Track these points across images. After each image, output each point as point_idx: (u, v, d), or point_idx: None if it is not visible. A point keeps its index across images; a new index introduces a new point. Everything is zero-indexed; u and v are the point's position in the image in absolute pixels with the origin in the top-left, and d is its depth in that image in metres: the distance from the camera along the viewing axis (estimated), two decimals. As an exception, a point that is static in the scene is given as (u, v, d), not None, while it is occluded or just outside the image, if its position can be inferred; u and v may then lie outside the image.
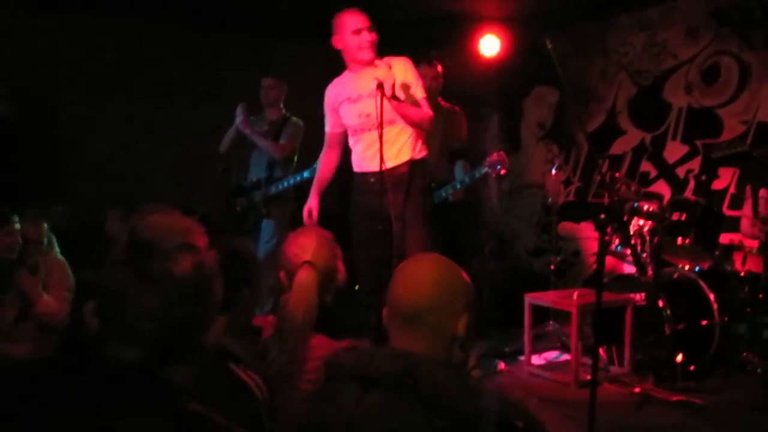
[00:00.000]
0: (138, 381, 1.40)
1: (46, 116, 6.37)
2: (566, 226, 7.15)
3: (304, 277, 2.49)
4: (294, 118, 5.70)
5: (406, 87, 3.96)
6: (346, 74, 4.18)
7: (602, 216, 3.08)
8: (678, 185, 6.33)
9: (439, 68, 5.40)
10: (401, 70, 3.97)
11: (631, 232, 4.99)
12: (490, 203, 8.06)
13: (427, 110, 4.04)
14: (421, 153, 4.10)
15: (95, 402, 1.37)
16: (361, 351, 1.80)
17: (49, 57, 6.43)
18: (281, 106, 5.73)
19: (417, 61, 4.30)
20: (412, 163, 4.01)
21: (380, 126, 3.71)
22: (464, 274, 1.88)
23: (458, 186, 5.16)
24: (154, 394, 1.42)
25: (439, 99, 5.35)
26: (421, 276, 1.84)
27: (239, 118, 5.56)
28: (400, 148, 4.01)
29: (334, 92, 4.21)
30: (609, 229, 5.38)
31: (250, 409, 1.92)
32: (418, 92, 4.02)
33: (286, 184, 5.45)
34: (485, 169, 4.90)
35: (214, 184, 5.89)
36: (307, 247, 2.59)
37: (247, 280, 2.01)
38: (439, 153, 5.16)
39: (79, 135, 6.54)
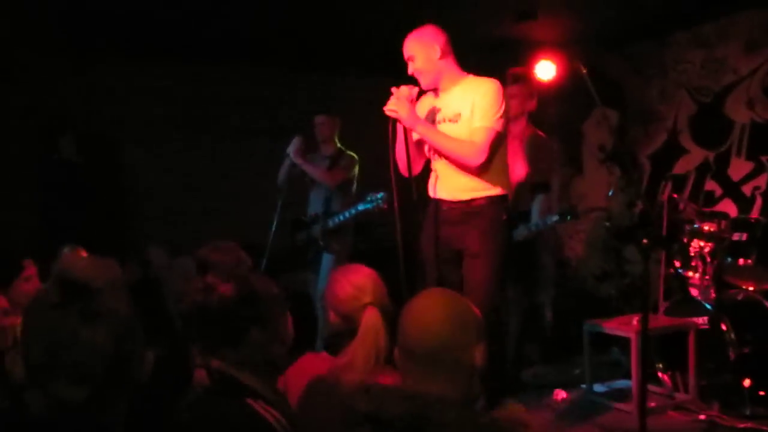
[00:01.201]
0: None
1: (111, 159, 6.61)
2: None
3: (373, 320, 2.50)
4: (349, 152, 5.79)
5: (460, 114, 3.76)
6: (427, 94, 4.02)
7: (645, 241, 3.04)
8: (744, 203, 6.17)
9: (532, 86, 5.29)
10: (469, 93, 3.75)
11: (692, 254, 4.89)
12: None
13: (472, 143, 3.68)
14: (492, 189, 3.79)
15: None
16: (373, 393, 1.82)
17: (112, 100, 6.70)
18: (336, 141, 5.83)
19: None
20: (474, 200, 3.80)
21: (392, 161, 3.75)
22: (471, 306, 1.88)
23: (530, 229, 5.07)
24: None
25: (524, 122, 5.22)
26: (431, 314, 1.84)
27: (292, 148, 5.65)
28: (461, 181, 3.82)
29: None
30: (662, 252, 5.33)
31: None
32: (476, 120, 3.69)
33: (343, 217, 5.52)
34: (556, 218, 4.92)
35: (276, 220, 6.00)
36: (365, 287, 2.60)
37: (258, 320, 2.04)
38: (521, 183, 5.05)
39: (143, 177, 6.78)
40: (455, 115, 3.78)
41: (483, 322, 1.93)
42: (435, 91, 3.92)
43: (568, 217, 4.83)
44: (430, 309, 1.88)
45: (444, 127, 3.80)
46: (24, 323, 1.53)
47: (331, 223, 5.59)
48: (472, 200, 3.80)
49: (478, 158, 3.68)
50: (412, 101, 3.72)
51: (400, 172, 3.93)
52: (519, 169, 4.97)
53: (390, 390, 1.82)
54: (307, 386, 2.30)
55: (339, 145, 5.84)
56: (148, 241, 6.33)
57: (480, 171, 3.74)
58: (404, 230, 3.71)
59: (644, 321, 3.07)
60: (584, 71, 3.60)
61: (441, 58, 3.79)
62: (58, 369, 1.48)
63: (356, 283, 2.62)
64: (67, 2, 5.38)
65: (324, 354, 2.58)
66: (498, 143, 3.72)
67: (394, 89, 3.72)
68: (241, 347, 2.01)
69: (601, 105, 3.76)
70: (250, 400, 1.95)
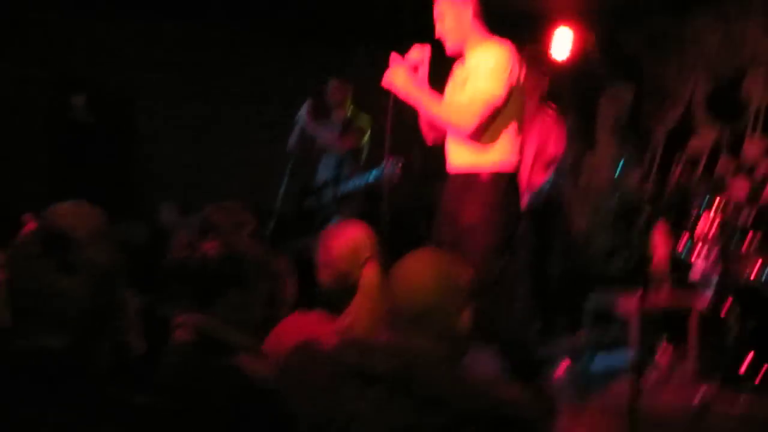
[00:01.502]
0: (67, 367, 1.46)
1: (122, 120, 6.63)
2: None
3: (374, 275, 2.47)
4: (362, 114, 5.75)
5: (467, 79, 3.62)
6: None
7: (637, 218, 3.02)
8: (757, 183, 6.10)
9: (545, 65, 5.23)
10: (479, 57, 3.60)
11: (699, 233, 4.87)
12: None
13: (462, 109, 3.50)
14: (490, 163, 3.58)
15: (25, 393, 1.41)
16: (362, 347, 1.84)
17: (125, 61, 6.72)
18: (347, 106, 5.81)
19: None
20: (471, 173, 3.63)
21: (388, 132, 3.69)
22: (464, 266, 1.88)
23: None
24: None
25: (536, 102, 5.16)
26: (420, 275, 1.85)
27: (303, 112, 5.64)
28: (461, 150, 3.66)
29: None
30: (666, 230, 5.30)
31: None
32: (479, 83, 3.49)
33: (354, 184, 5.51)
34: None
35: (285, 186, 6.00)
36: (363, 242, 2.58)
37: (239, 280, 2.05)
38: (533, 164, 5.03)
39: (154, 139, 6.81)
40: (464, 80, 3.64)
41: (474, 283, 1.93)
42: (461, 57, 3.75)
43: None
44: (419, 269, 1.89)
45: (457, 95, 3.66)
46: (7, 271, 1.55)
47: (342, 189, 5.58)
48: (469, 173, 3.64)
49: (468, 124, 3.49)
50: (416, 67, 3.63)
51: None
52: (527, 148, 4.91)
53: (378, 345, 1.85)
54: (289, 342, 2.31)
55: (351, 110, 5.82)
56: (158, 203, 6.39)
57: (478, 142, 3.55)
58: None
59: (643, 296, 3.06)
60: (596, 50, 3.48)
61: (471, 19, 3.65)
62: (39, 317, 1.50)
63: (354, 238, 2.60)
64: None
65: (314, 313, 2.56)
66: (495, 111, 3.50)
67: (394, 57, 3.63)
68: (221, 306, 2.02)
69: (610, 81, 3.63)
70: (232, 356, 1.96)
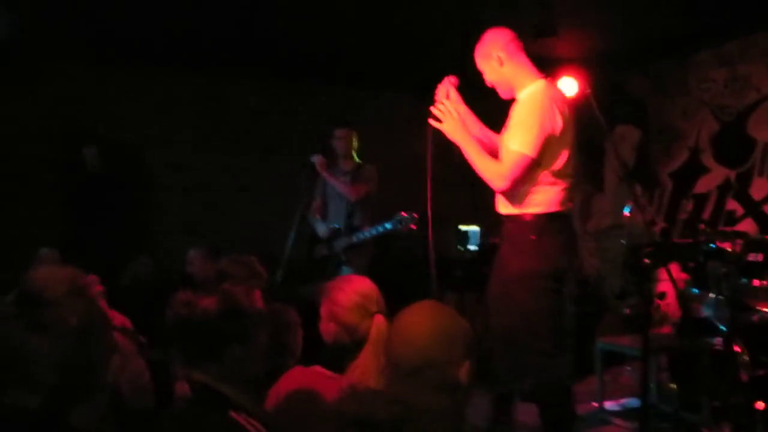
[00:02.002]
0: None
1: (134, 170, 6.72)
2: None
3: (383, 329, 2.44)
4: (368, 165, 5.80)
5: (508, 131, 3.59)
6: None
7: (646, 261, 3.02)
8: (766, 223, 6.10)
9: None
10: (516, 108, 3.57)
11: (708, 274, 4.84)
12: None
13: (498, 168, 3.47)
14: (521, 206, 3.56)
15: None
16: (361, 396, 1.84)
17: (137, 112, 6.84)
18: (354, 155, 5.85)
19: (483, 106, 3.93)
20: (512, 216, 3.62)
21: (429, 171, 3.68)
22: (461, 319, 1.88)
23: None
24: None
25: None
26: (417, 329, 1.84)
27: (316, 161, 5.69)
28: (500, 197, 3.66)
29: None
30: (677, 270, 5.28)
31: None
32: (513, 142, 3.45)
33: (367, 234, 5.52)
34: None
35: (294, 233, 6.03)
36: (371, 296, 2.58)
37: (239, 335, 2.06)
38: None
39: (165, 188, 6.89)
40: (508, 126, 3.61)
41: (473, 337, 1.93)
42: (514, 100, 3.68)
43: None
44: (417, 323, 1.88)
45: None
46: None
47: (355, 239, 5.59)
48: (509, 215, 3.64)
49: (501, 184, 3.48)
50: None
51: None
52: None
53: (378, 394, 1.85)
54: (287, 396, 2.31)
55: (357, 159, 5.87)
56: (167, 252, 6.44)
57: (519, 192, 3.53)
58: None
59: (645, 340, 3.06)
60: (591, 95, 3.51)
61: (505, 64, 3.61)
62: (11, 376, 1.52)
63: (362, 292, 2.58)
64: (95, 11, 5.49)
65: (316, 367, 2.56)
66: (530, 166, 3.44)
67: (441, 92, 3.61)
68: (222, 362, 2.03)
69: (606, 127, 3.62)
70: (233, 413, 1.97)
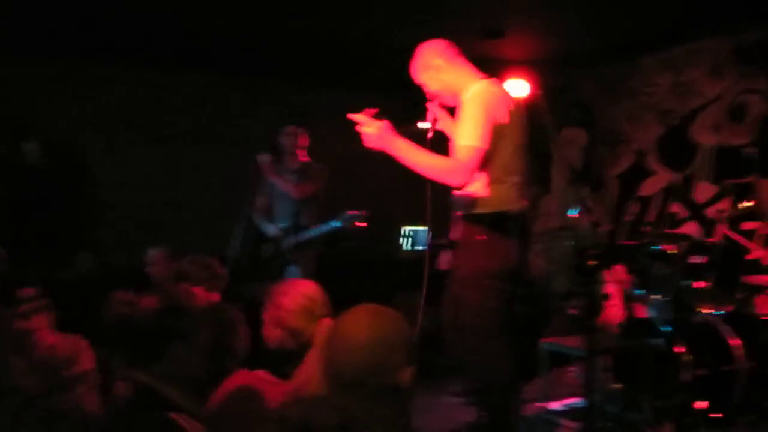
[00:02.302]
0: None
1: (75, 165, 6.57)
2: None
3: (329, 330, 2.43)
4: (316, 164, 5.75)
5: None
6: None
7: (591, 262, 3.03)
8: (708, 226, 6.21)
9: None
10: (461, 109, 3.50)
11: (652, 276, 4.91)
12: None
13: (453, 162, 3.39)
14: (471, 207, 3.56)
15: None
16: (304, 402, 1.80)
17: (78, 107, 6.67)
18: (302, 153, 5.79)
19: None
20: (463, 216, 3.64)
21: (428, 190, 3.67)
22: (401, 322, 1.84)
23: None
24: None
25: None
26: (357, 337, 1.79)
27: (263, 159, 5.63)
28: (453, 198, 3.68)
29: None
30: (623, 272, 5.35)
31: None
32: (462, 138, 3.39)
33: (315, 233, 5.47)
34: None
35: (242, 231, 5.95)
36: (318, 299, 2.54)
37: (181, 333, 2.01)
38: None
39: (106, 182, 6.75)
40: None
41: (413, 341, 1.90)
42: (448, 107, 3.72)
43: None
44: (357, 330, 1.82)
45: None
46: None
47: (302, 238, 5.54)
48: (461, 216, 3.64)
49: (457, 179, 3.42)
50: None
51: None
52: None
53: (321, 400, 1.80)
54: (229, 398, 2.26)
55: (306, 157, 5.81)
56: (107, 247, 6.32)
57: (475, 186, 3.51)
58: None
59: (590, 341, 3.07)
60: (540, 96, 3.50)
61: (444, 70, 3.61)
62: None
63: (308, 296, 2.55)
64: (31, 6, 5.35)
65: (260, 372, 2.50)
66: (484, 159, 3.40)
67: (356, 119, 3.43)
68: (163, 361, 1.98)
69: (555, 129, 3.64)
70: (173, 414, 1.92)
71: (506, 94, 3.62)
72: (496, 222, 3.53)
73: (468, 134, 3.37)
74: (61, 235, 5.85)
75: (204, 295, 3.23)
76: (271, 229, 5.71)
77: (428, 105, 3.73)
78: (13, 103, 6.41)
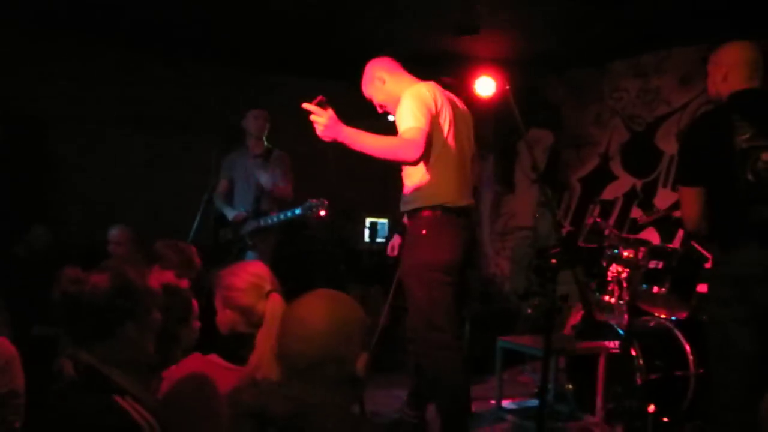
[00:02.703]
0: None
1: (36, 139, 6.44)
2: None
3: (278, 305, 2.39)
4: (277, 150, 5.70)
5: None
6: None
7: (553, 261, 3.04)
8: (667, 233, 6.26)
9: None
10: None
11: (610, 279, 4.95)
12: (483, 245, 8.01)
13: (404, 139, 3.53)
14: (413, 203, 3.75)
15: None
16: (260, 389, 1.76)
17: (39, 81, 6.52)
18: (264, 138, 5.73)
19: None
20: (408, 212, 3.86)
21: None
22: (357, 308, 1.81)
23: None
24: None
25: None
26: (312, 323, 1.73)
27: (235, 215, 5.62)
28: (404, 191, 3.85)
29: None
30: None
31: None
32: (401, 126, 3.58)
33: (275, 219, 5.40)
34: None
35: (200, 214, 5.87)
36: (264, 276, 2.52)
37: (132, 313, 1.97)
38: None
39: (67, 160, 6.63)
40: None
41: (368, 327, 1.86)
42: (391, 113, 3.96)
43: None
44: (312, 316, 1.76)
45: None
46: None
47: (263, 223, 5.47)
48: (406, 212, 3.85)
49: (413, 153, 3.53)
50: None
51: None
52: None
53: (275, 387, 1.77)
54: (179, 382, 2.21)
55: (266, 143, 5.75)
56: (65, 226, 6.20)
57: (411, 181, 3.73)
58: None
59: (547, 341, 3.08)
60: (509, 93, 3.54)
61: (387, 82, 3.91)
62: None
63: (255, 273, 2.53)
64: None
65: (213, 356, 2.46)
66: (427, 138, 3.55)
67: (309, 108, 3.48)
68: (112, 341, 1.93)
69: (524, 131, 3.68)
70: (117, 397, 1.87)
71: (445, 93, 3.85)
72: (436, 216, 3.68)
73: (407, 119, 3.56)
74: (20, 212, 5.73)
75: (172, 280, 3.18)
76: (232, 213, 5.64)
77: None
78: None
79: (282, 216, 5.35)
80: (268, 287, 2.47)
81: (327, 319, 1.74)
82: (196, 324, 2.68)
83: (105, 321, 1.95)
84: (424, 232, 3.67)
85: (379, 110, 4.03)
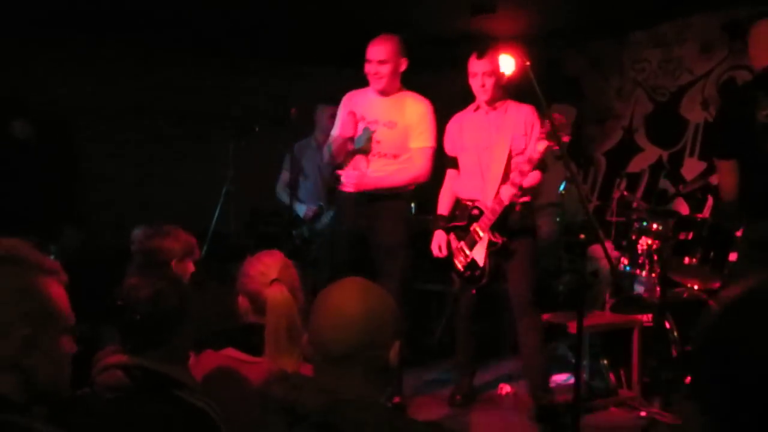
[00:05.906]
0: None
1: (64, 141, 6.50)
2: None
3: (279, 295, 2.41)
4: None
5: (396, 123, 4.30)
6: (369, 91, 4.38)
7: (582, 236, 3.03)
8: (696, 202, 6.20)
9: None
10: (406, 108, 4.33)
11: (640, 252, 4.92)
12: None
13: (419, 166, 4.33)
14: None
15: None
16: (291, 383, 1.75)
17: (68, 83, 6.58)
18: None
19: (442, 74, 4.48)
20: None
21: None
22: (387, 296, 1.80)
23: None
24: None
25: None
26: (349, 311, 1.71)
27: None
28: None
29: (350, 101, 4.43)
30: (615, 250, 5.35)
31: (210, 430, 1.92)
32: (420, 141, 4.33)
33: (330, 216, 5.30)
34: None
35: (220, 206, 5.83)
36: (272, 265, 2.53)
37: (185, 320, 2.01)
38: None
39: (96, 160, 6.69)
40: (390, 122, 4.30)
41: (399, 314, 1.85)
42: (382, 92, 4.33)
43: None
44: (345, 304, 1.73)
45: (380, 130, 4.30)
46: None
47: (328, 220, 5.34)
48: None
49: (427, 176, 4.38)
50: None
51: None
52: None
53: (306, 381, 1.75)
54: (205, 380, 2.24)
55: None
56: (97, 224, 6.26)
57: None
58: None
59: (579, 317, 3.07)
60: (530, 68, 3.52)
61: (401, 71, 4.31)
62: None
63: (266, 261, 2.54)
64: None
65: (230, 350, 2.46)
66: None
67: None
68: (168, 346, 1.98)
69: (547, 105, 3.66)
70: (177, 392, 1.91)
71: None
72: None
73: (425, 137, 4.38)
74: (52, 214, 5.79)
75: (190, 269, 3.20)
76: (302, 210, 5.59)
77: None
78: (2, 80, 6.32)
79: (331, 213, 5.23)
80: (273, 276, 2.47)
81: (362, 307, 1.72)
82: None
83: (164, 331, 1.99)
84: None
85: (372, 70, 4.25)
